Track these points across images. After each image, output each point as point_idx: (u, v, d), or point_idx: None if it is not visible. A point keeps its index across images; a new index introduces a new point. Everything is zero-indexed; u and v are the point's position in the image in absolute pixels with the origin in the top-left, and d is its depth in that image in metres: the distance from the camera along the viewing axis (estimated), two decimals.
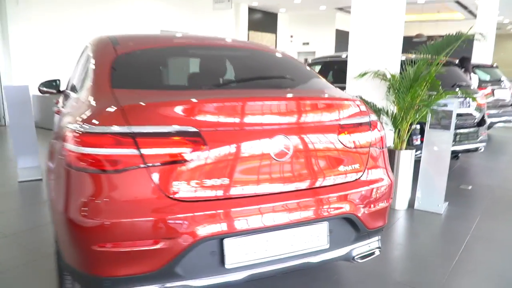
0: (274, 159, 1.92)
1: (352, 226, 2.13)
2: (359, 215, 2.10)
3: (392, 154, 4.25)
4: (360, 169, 2.18)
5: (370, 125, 2.25)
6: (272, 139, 1.93)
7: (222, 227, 1.80)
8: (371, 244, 2.29)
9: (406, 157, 4.22)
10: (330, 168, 2.08)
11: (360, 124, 2.23)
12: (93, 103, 1.91)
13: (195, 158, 1.79)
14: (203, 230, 1.76)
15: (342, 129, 2.13)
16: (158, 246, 1.71)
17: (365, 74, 4.39)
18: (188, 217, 1.75)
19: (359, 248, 2.22)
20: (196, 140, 1.80)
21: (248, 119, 1.91)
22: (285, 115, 2.00)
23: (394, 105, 4.23)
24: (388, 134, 4.34)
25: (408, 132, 4.24)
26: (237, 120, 1.89)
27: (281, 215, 1.91)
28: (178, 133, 1.78)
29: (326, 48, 18.40)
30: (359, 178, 2.17)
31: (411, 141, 4.69)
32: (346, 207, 2.07)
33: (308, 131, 2.04)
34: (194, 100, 1.88)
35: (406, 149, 4.25)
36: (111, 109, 1.79)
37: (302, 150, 2.01)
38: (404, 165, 4.23)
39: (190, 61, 2.95)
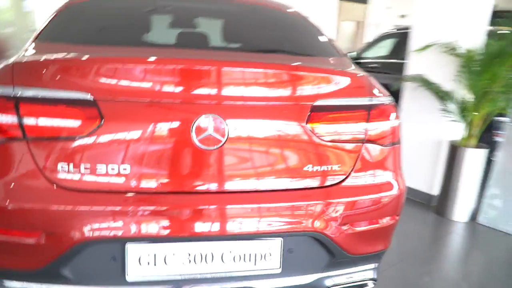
0: (199, 147, 1.38)
1: (325, 248, 1.52)
2: (332, 234, 1.46)
3: (455, 152, 3.37)
4: (341, 172, 1.51)
5: (369, 111, 1.55)
6: (198, 120, 1.37)
7: (123, 228, 1.34)
8: (358, 274, 1.64)
9: (475, 157, 3.29)
10: (287, 167, 1.47)
11: (350, 108, 1.55)
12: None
13: (88, 135, 1.33)
14: (97, 229, 1.32)
15: (315, 113, 1.48)
16: (37, 241, 1.33)
17: (429, 46, 3.47)
18: (76, 210, 1.32)
19: (336, 278, 1.59)
20: (91, 111, 1.32)
21: (167, 89, 1.37)
22: (224, 87, 1.41)
23: (466, 89, 3.31)
24: (452, 126, 3.46)
25: (481, 125, 3.31)
26: (149, 89, 1.36)
27: (208, 223, 1.37)
28: (68, 101, 1.32)
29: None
30: (338, 183, 1.51)
31: (487, 138, 3.70)
32: (308, 222, 1.45)
33: (257, 112, 1.44)
34: (94, 57, 1.40)
35: (476, 147, 3.34)
36: (4, 64, 1.43)
37: (246, 139, 1.42)
38: (470, 167, 3.32)
39: (162, 18, 2.41)
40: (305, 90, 1.48)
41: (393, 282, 2.50)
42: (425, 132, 3.74)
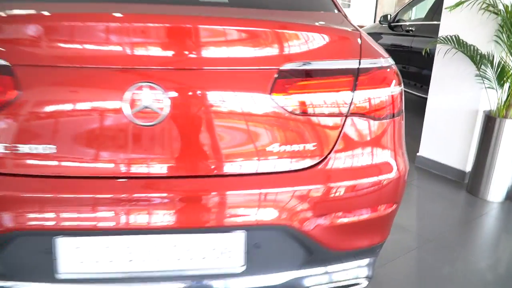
0: (134, 122, 1.14)
1: (299, 244, 1.28)
2: (305, 227, 1.21)
3: (491, 123, 2.96)
4: (316, 152, 1.24)
5: (356, 77, 1.25)
6: (131, 90, 1.12)
7: (50, 218, 1.15)
8: (347, 272, 1.38)
9: None
10: (247, 147, 1.21)
11: (329, 73, 1.25)
12: None
13: (4, 108, 1.12)
14: (18, 219, 1.14)
15: (281, 80, 1.19)
16: None
17: (463, 2, 3.00)
18: None
19: (318, 277, 1.34)
20: (6, 80, 1.11)
21: (95, 52, 1.13)
22: (163, 49, 1.15)
23: (506, 51, 2.86)
24: (489, 94, 3.03)
25: None
26: (74, 51, 1.12)
27: (153, 213, 1.16)
28: None
29: None
30: (313, 166, 1.24)
31: None
32: (274, 214, 1.20)
33: (206, 80, 1.17)
34: (8, 15, 1.15)
35: None
36: None
37: (193, 113, 1.17)
38: (508, 141, 2.92)
39: None
40: (269, 51, 1.19)
41: (404, 273, 2.22)
42: (458, 101, 3.32)
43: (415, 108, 4.96)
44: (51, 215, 1.15)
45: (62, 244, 1.16)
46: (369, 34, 1.63)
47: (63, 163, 1.16)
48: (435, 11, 4.96)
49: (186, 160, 1.18)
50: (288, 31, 1.21)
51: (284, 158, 1.21)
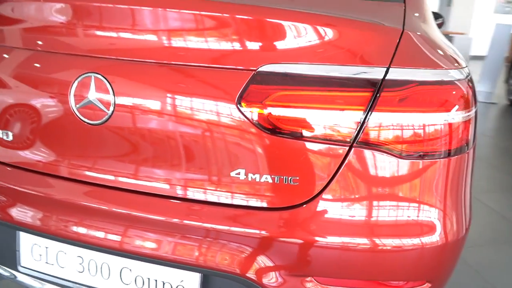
0: (80, 119, 0.96)
1: None
2: (273, 286, 0.92)
3: None
4: (299, 190, 0.90)
5: (377, 92, 0.87)
6: (76, 82, 0.95)
7: (11, 211, 1.08)
8: None
9: None
10: (205, 167, 0.93)
11: (332, 83, 0.88)
12: None
13: None
14: None
15: (255, 87, 0.88)
16: None
17: None
18: None
19: None
20: None
21: (42, 35, 0.98)
22: (117, 35, 0.94)
23: None
24: None
25: None
26: (17, 32, 1.00)
27: (95, 226, 1.00)
28: None
29: None
30: (292, 208, 0.91)
31: None
32: (234, 261, 0.92)
33: (165, 77, 0.92)
34: None
35: None
36: None
37: (145, 112, 0.93)
38: None
39: None
40: (242, 45, 0.89)
41: None
42: None
43: None
44: (12, 207, 1.08)
45: (23, 239, 1.10)
46: None
47: (15, 155, 1.06)
48: None
49: (136, 172, 0.97)
50: (272, 20, 0.89)
51: (254, 190, 0.92)
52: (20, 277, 1.14)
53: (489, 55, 6.50)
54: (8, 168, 1.08)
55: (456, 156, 0.93)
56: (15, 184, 1.06)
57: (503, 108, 5.94)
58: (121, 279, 1.02)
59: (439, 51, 0.96)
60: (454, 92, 0.91)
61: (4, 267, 1.16)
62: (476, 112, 0.98)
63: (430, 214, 0.92)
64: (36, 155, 1.04)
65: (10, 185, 1.07)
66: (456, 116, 0.91)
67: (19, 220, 1.06)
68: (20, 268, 1.11)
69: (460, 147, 0.94)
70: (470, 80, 0.97)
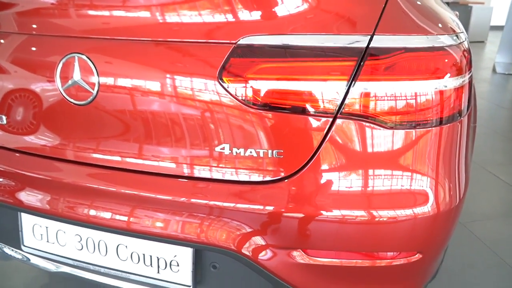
0: (67, 100, 0.98)
1: (265, 277, 0.97)
2: (263, 259, 0.92)
3: None
4: (284, 162, 0.90)
5: (360, 61, 0.85)
6: (62, 62, 0.96)
7: (11, 192, 1.11)
8: None
9: None
10: (190, 144, 0.94)
11: (312, 53, 0.86)
12: None
13: None
14: None
15: (236, 60, 0.87)
16: None
17: None
18: None
19: None
20: None
21: (27, 18, 1.01)
22: (100, 14, 0.95)
23: None
24: None
25: None
26: (2, 16, 1.02)
27: (86, 204, 1.02)
28: None
29: None
30: (278, 181, 0.91)
31: None
32: (222, 234, 0.93)
33: (148, 54, 0.92)
34: None
35: None
36: None
37: (131, 91, 0.94)
38: None
39: None
40: (221, 17, 0.89)
41: None
42: None
43: None
44: (10, 188, 1.11)
45: (24, 220, 1.14)
46: None
47: (9, 138, 1.09)
48: None
49: (126, 151, 0.99)
50: None
51: (238, 164, 0.92)
52: (24, 256, 1.19)
53: (507, 25, 6.25)
54: (2, 151, 1.11)
55: (448, 125, 0.91)
56: (10, 166, 1.09)
57: None
58: (117, 255, 1.05)
59: (430, 17, 0.93)
60: (445, 59, 0.88)
61: (10, 246, 1.21)
62: (470, 78, 0.96)
63: (420, 183, 0.91)
64: (28, 137, 1.07)
65: (6, 167, 1.10)
66: (447, 83, 0.88)
67: (18, 201, 1.09)
68: (23, 248, 1.16)
69: (452, 115, 0.92)
70: (464, 46, 0.94)
